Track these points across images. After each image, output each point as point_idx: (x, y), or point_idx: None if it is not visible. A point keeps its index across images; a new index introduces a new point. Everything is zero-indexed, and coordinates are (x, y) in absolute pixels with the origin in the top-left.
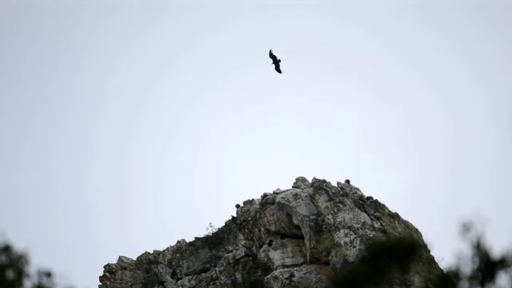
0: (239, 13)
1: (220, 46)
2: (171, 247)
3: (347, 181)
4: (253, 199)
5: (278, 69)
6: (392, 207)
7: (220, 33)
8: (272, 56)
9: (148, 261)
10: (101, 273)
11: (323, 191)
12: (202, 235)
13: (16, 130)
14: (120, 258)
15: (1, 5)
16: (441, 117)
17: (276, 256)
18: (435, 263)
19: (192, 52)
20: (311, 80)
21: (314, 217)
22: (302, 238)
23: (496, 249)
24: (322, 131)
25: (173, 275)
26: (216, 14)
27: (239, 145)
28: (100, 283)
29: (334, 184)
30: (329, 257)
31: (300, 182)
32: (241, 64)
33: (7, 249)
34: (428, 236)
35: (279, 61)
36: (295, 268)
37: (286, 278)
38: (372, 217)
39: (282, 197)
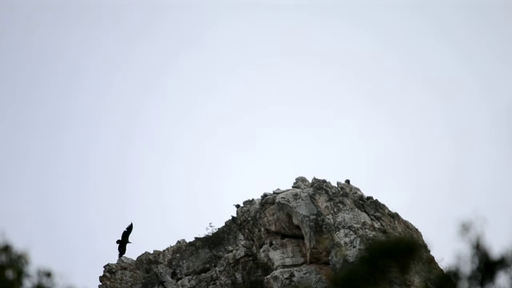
0: (233, 15)
1: (219, 47)
2: (171, 247)
3: (347, 181)
4: (253, 199)
5: (122, 248)
6: (392, 207)
7: (218, 35)
8: (128, 231)
9: (148, 261)
10: (101, 273)
11: (323, 191)
12: (202, 235)
13: (19, 130)
14: (120, 258)
15: None
16: (442, 122)
17: (276, 256)
18: (435, 263)
19: (192, 54)
20: (311, 84)
21: (314, 217)
22: (302, 238)
23: (496, 249)
24: (322, 137)
25: (173, 275)
26: (209, 16)
27: (240, 146)
28: (100, 283)
29: (334, 184)
30: (329, 257)
31: (300, 182)
32: (241, 65)
33: (7, 249)
34: (428, 236)
35: (129, 242)
36: (295, 268)
37: (286, 278)
38: (372, 217)
39: (282, 197)
